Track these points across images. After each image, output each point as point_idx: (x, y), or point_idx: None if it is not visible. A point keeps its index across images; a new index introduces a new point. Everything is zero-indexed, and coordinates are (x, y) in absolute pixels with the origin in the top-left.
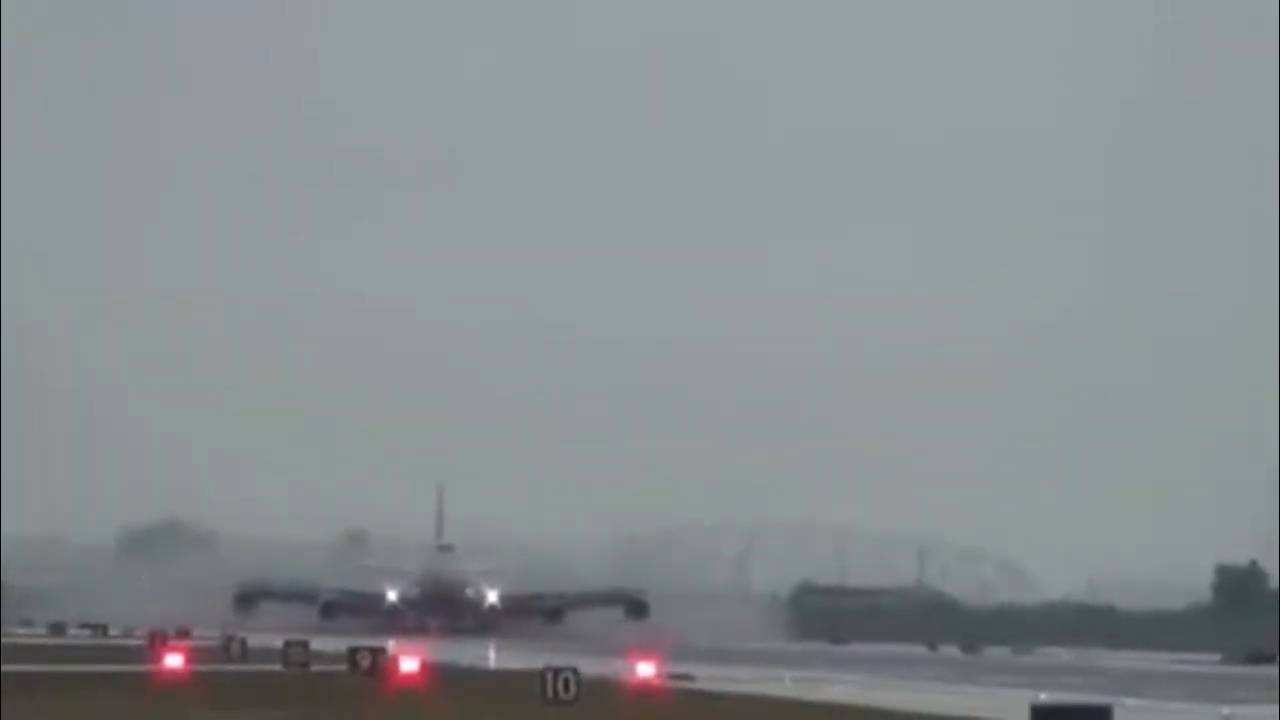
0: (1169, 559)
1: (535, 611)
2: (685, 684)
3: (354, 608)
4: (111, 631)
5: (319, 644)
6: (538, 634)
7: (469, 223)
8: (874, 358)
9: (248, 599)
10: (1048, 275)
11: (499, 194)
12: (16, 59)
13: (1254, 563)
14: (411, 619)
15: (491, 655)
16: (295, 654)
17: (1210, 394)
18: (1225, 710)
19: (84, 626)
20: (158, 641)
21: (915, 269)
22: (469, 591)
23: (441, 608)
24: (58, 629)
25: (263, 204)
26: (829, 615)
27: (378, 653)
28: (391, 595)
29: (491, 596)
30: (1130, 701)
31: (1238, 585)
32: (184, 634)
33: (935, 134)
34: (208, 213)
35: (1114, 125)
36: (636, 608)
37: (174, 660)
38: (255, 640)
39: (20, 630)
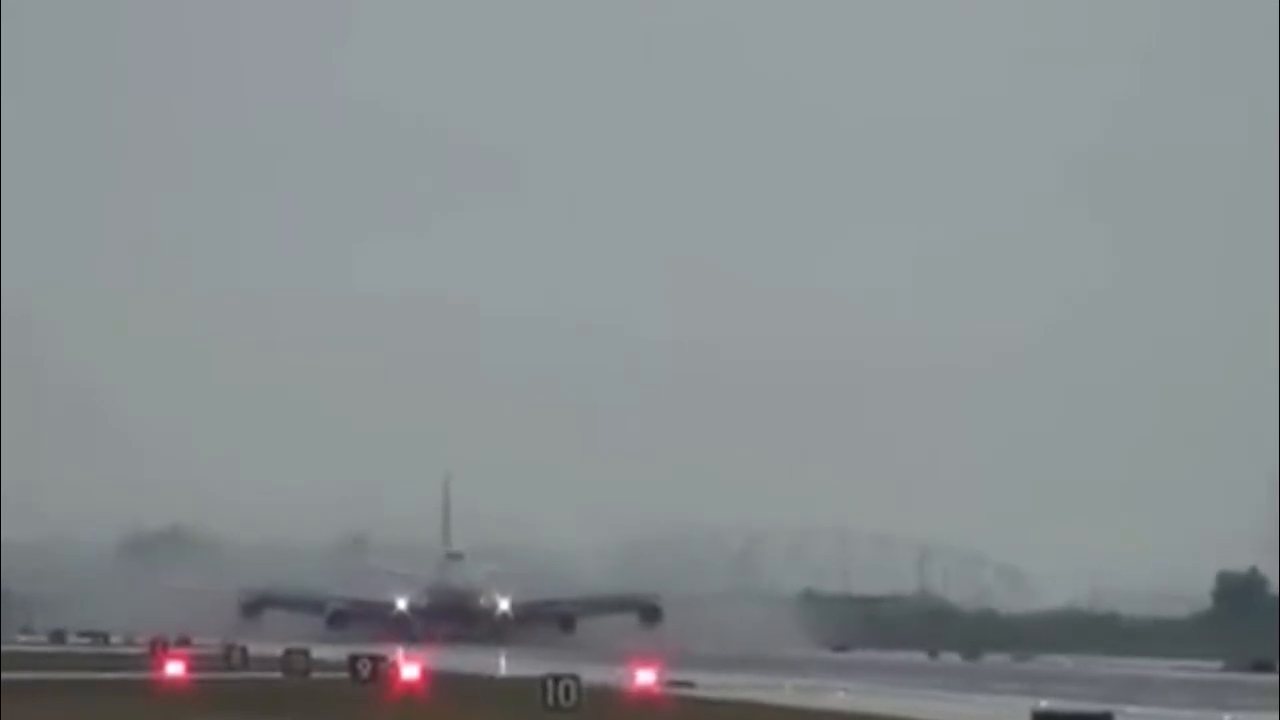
0: (1169, 566)
1: (547, 618)
2: (686, 691)
3: (362, 616)
4: (113, 639)
5: (323, 652)
6: (550, 641)
7: (473, 223)
8: (872, 359)
9: (254, 608)
10: (1049, 278)
11: (501, 192)
12: (25, 53)
13: (1254, 569)
14: (421, 628)
15: (502, 663)
16: (295, 661)
17: (1211, 399)
18: (1226, 717)
19: (84, 634)
20: (158, 649)
21: (917, 270)
22: (481, 600)
23: (452, 616)
24: (58, 636)
25: (266, 204)
26: (847, 621)
27: (378, 660)
28: (401, 604)
29: (503, 604)
30: (1131, 709)
31: (1238, 592)
32: (185, 642)
33: (934, 133)
34: (214, 212)
35: (1114, 125)
36: (650, 613)
37: (174, 668)
38: (258, 649)
39: (20, 638)
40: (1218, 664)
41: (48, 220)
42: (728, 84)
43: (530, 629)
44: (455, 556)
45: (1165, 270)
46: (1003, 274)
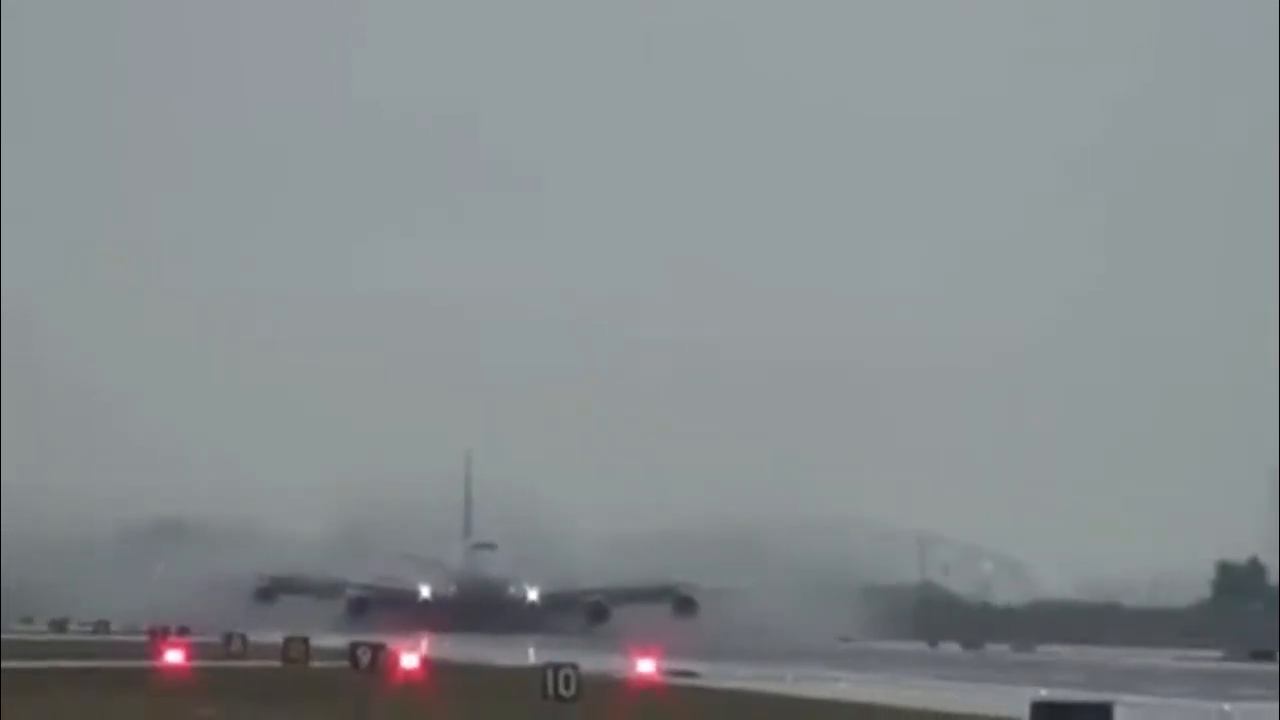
0: (1170, 556)
1: (578, 608)
2: (686, 680)
3: (384, 604)
4: (113, 628)
5: (330, 640)
6: (581, 632)
7: (470, 224)
8: (875, 355)
9: (268, 593)
10: (1049, 274)
11: (500, 193)
12: (25, 53)
13: (1254, 559)
14: (447, 617)
15: (531, 654)
16: (295, 650)
17: (1211, 391)
18: (1226, 707)
19: (86, 624)
20: (159, 638)
21: (919, 267)
22: (510, 589)
23: (481, 606)
24: (59, 626)
25: (266, 204)
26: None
27: (378, 649)
28: (425, 592)
29: (531, 594)
30: (1131, 698)
31: (1239, 582)
32: (184, 630)
33: (934, 134)
34: (214, 212)
35: (1117, 125)
36: (684, 604)
37: (174, 656)
38: (264, 637)
39: (21, 627)
40: (1218, 653)
41: (48, 220)
42: (728, 83)
43: (561, 619)
44: (486, 546)
45: (1166, 266)
46: (1003, 272)
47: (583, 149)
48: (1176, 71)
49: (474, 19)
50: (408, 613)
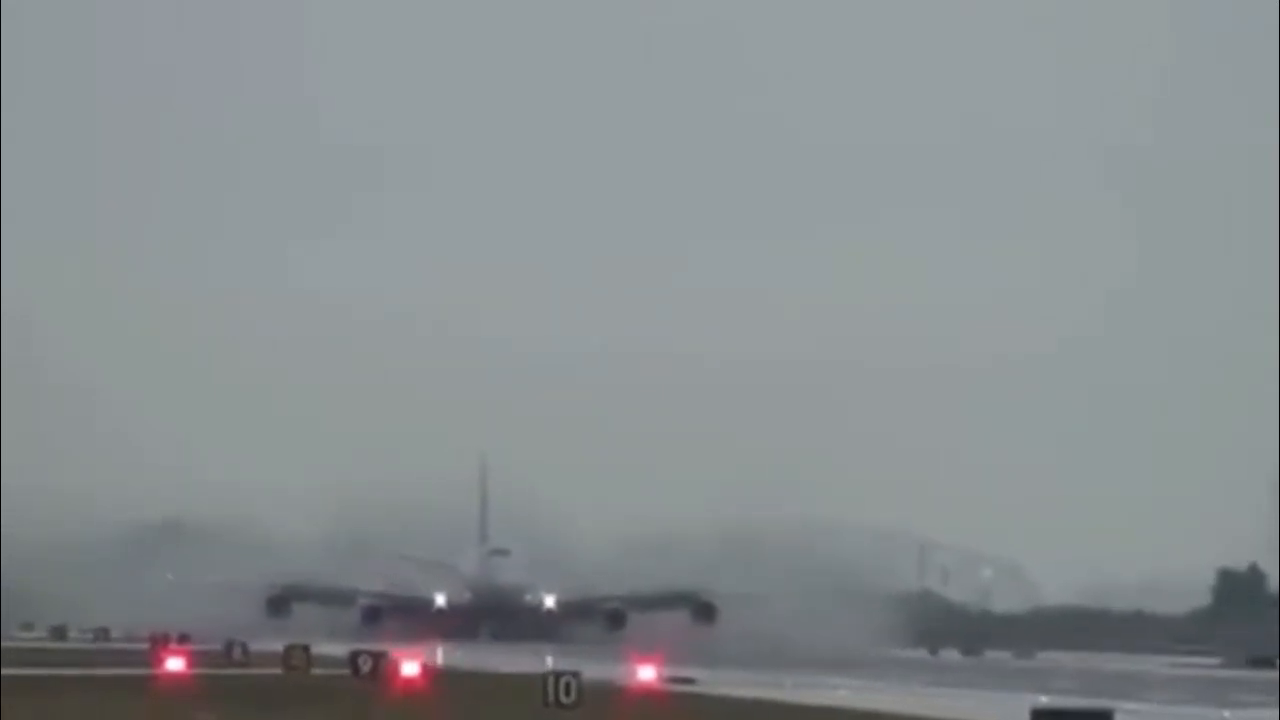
0: (1169, 563)
1: (596, 615)
2: (686, 688)
3: (398, 612)
4: (113, 635)
5: (341, 649)
6: (598, 639)
7: (464, 230)
8: (876, 357)
9: (280, 602)
10: (1051, 279)
11: (500, 197)
12: (25, 52)
13: (1254, 566)
14: (461, 625)
15: (549, 661)
16: (296, 657)
17: (1211, 397)
18: (1226, 714)
19: (86, 630)
20: (159, 645)
21: (920, 270)
22: (526, 596)
23: (496, 614)
24: (59, 633)
25: (268, 205)
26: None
27: (379, 656)
28: (440, 599)
29: (548, 601)
30: (1131, 705)
31: (1238, 588)
32: (185, 638)
33: (939, 131)
34: (215, 210)
35: (1126, 126)
36: (703, 611)
37: (175, 664)
38: (262, 645)
39: (21, 634)
40: (1217, 660)
41: (48, 220)
42: (729, 83)
43: (578, 626)
44: (500, 552)
45: (1167, 270)
46: (1007, 277)
47: (582, 156)
48: (1182, 73)
49: (429, 20)
50: (422, 620)
